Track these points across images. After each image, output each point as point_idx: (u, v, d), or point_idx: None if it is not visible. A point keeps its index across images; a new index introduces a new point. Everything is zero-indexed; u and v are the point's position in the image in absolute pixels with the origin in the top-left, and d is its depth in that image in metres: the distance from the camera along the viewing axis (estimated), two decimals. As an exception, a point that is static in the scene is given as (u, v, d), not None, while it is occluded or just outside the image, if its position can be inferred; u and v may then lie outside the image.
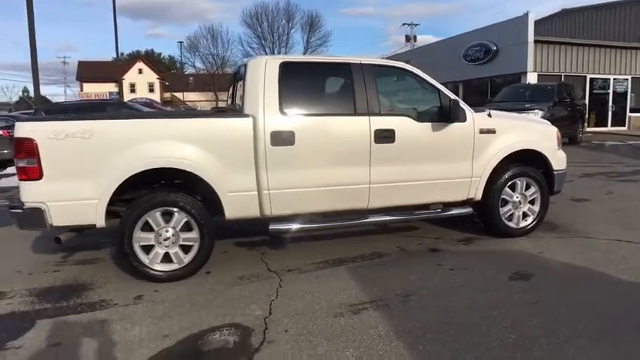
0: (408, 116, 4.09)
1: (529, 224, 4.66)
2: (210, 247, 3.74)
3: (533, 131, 4.64)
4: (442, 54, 23.16)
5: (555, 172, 4.69)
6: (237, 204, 3.72)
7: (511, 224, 4.60)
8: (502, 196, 4.52)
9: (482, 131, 4.30)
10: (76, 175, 3.37)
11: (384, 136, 3.96)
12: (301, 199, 3.87)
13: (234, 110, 4.29)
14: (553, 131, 4.76)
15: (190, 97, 59.84)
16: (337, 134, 3.88)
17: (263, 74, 3.76)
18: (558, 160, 4.72)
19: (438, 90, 4.23)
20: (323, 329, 2.84)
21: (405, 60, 26.37)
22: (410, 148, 4.08)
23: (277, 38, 55.22)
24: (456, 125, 4.19)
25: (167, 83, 61.46)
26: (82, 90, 58.00)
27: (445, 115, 4.08)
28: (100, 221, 3.45)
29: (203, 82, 55.66)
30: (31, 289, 3.58)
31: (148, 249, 3.60)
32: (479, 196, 4.42)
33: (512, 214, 4.60)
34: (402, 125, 4.04)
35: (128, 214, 3.51)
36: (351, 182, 3.95)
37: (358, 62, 4.03)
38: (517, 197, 4.58)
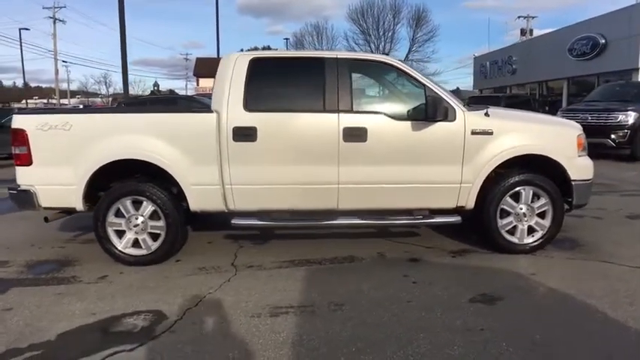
0: (384, 114, 3.81)
1: (536, 240, 4.05)
2: (176, 237, 3.90)
3: (542, 134, 4.00)
4: (546, 48, 20.99)
5: (574, 183, 4.00)
6: (200, 197, 3.83)
7: (513, 239, 4.04)
8: (501, 206, 3.99)
9: (474, 132, 3.84)
10: (59, 162, 3.77)
11: (355, 135, 3.75)
12: (265, 196, 3.85)
13: None
14: (571, 134, 4.05)
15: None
16: (302, 131, 3.78)
17: (231, 70, 3.80)
18: (578, 168, 4.02)
19: (424, 86, 3.87)
20: (228, 327, 2.82)
21: (506, 56, 24.54)
22: (384, 149, 3.80)
23: (382, 34, 54.95)
24: (441, 125, 3.80)
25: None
26: (197, 84, 63.69)
27: (426, 113, 3.71)
28: (79, 205, 3.82)
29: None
30: (29, 260, 4.10)
31: (121, 234, 3.89)
32: (471, 205, 3.96)
33: (514, 228, 4.04)
34: (376, 124, 3.79)
35: (102, 200, 3.83)
36: (317, 181, 3.82)
37: (333, 57, 3.87)
38: (521, 209, 4.00)
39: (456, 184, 3.90)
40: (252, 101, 3.77)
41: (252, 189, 3.83)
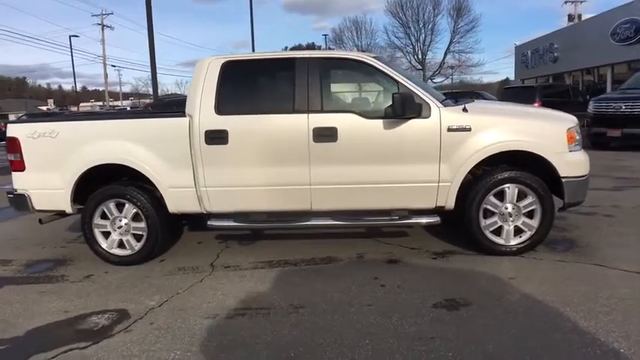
0: (355, 112, 3.73)
1: (524, 241, 3.82)
2: (157, 238, 4.02)
3: (526, 128, 3.75)
4: (589, 34, 19.65)
5: (564, 180, 3.73)
6: (178, 199, 3.93)
7: (498, 240, 3.84)
8: (485, 206, 3.80)
9: (451, 129, 3.67)
10: (49, 167, 3.99)
11: (325, 135, 3.70)
12: (239, 198, 3.89)
13: None
14: (559, 128, 3.77)
15: (336, 88, 61.65)
16: (272, 133, 3.78)
17: (204, 74, 3.86)
18: (570, 164, 3.74)
19: (398, 82, 3.75)
20: (180, 328, 2.89)
21: (548, 44, 23.28)
22: (355, 148, 3.73)
23: (422, 26, 53.68)
24: (415, 122, 3.67)
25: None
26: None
27: (394, 110, 3.59)
28: (68, 208, 4.04)
29: (347, 73, 56.92)
30: (29, 260, 4.38)
31: (107, 235, 4.07)
32: (450, 205, 3.80)
33: (500, 228, 3.84)
34: (347, 123, 3.71)
35: (88, 203, 4.02)
36: (289, 182, 3.81)
37: (304, 57, 3.83)
38: (507, 208, 3.80)
39: (433, 184, 3.76)
40: (224, 104, 3.81)
41: (226, 191, 3.88)
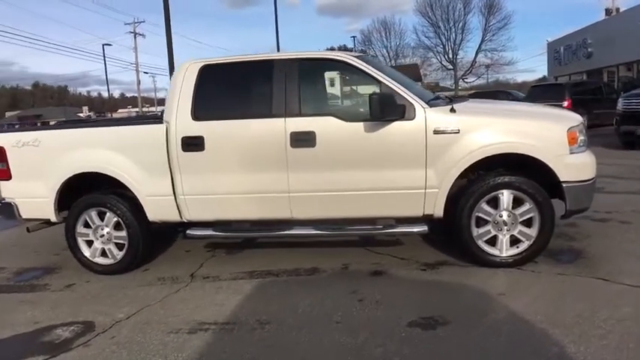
0: (335, 116, 3.53)
1: (521, 252, 3.51)
2: (138, 247, 3.94)
3: (520, 129, 3.43)
4: (626, 26, 18.52)
5: (565, 185, 3.40)
6: (156, 207, 3.85)
7: (493, 250, 3.54)
8: (476, 214, 3.51)
9: (437, 131, 3.42)
10: (33, 176, 3.99)
11: (303, 140, 3.52)
12: (218, 206, 3.77)
13: None
14: (558, 128, 3.43)
15: (370, 90, 60.65)
16: (249, 139, 3.63)
17: (182, 79, 3.77)
18: (571, 167, 3.40)
19: (380, 82, 3.53)
20: (138, 343, 2.78)
21: (581, 39, 22.29)
22: (335, 153, 3.53)
23: (452, 25, 52.59)
24: (398, 125, 3.44)
25: (347, 78, 64.09)
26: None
27: (370, 112, 3.36)
28: (53, 216, 4.03)
29: (376, 75, 56.23)
30: (20, 267, 4.41)
31: (90, 243, 4.04)
32: (439, 212, 3.54)
33: (495, 238, 3.54)
34: (325, 127, 3.52)
35: (71, 211, 4.00)
36: (268, 190, 3.66)
37: (281, 58, 3.67)
38: (501, 216, 3.50)
39: (419, 190, 3.51)
40: (201, 110, 3.70)
41: (204, 199, 3.76)
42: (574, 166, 3.42)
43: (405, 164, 3.49)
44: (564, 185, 3.40)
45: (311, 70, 3.76)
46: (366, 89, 3.74)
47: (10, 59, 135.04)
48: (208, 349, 2.66)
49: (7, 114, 68.77)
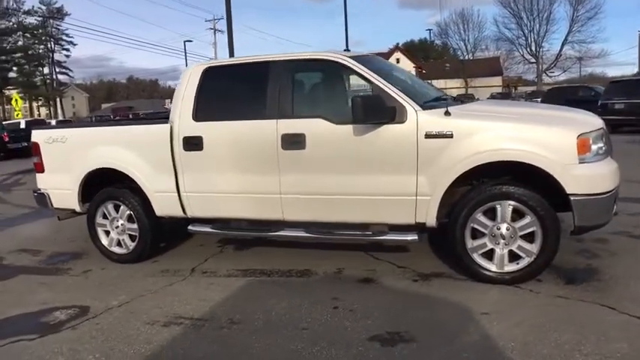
0: (324, 118, 3.47)
1: (521, 269, 3.22)
2: (147, 239, 4.18)
3: (521, 134, 3.11)
4: None
5: (573, 198, 3.04)
6: (162, 203, 4.06)
7: (489, 265, 3.28)
8: (472, 225, 3.28)
9: (429, 135, 3.23)
10: (61, 170, 4.39)
11: (293, 142, 3.51)
12: (216, 204, 3.88)
13: None
14: (566, 134, 3.05)
15: (447, 84, 57.53)
16: (243, 140, 3.69)
17: (186, 81, 3.92)
18: (581, 178, 3.04)
19: (372, 83, 3.41)
20: (118, 332, 2.97)
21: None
22: (323, 156, 3.47)
23: (536, 15, 49.05)
24: (388, 128, 3.30)
25: (424, 71, 61.19)
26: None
27: (353, 115, 3.25)
28: (77, 207, 4.41)
29: (454, 69, 54.02)
30: (54, 251, 4.88)
31: (108, 233, 4.37)
32: (431, 221, 3.35)
33: (492, 252, 3.28)
34: (315, 129, 3.48)
35: (91, 203, 4.35)
36: (261, 191, 3.70)
37: (276, 60, 3.67)
38: (499, 229, 3.23)
39: (410, 197, 3.34)
40: (201, 111, 3.82)
41: (203, 197, 3.90)
42: (585, 177, 3.05)
43: (396, 169, 3.34)
44: (572, 198, 3.05)
45: (305, 70, 3.74)
46: (362, 91, 3.62)
47: (110, 55, 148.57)
48: (173, 343, 2.78)
49: (103, 106, 76.04)
